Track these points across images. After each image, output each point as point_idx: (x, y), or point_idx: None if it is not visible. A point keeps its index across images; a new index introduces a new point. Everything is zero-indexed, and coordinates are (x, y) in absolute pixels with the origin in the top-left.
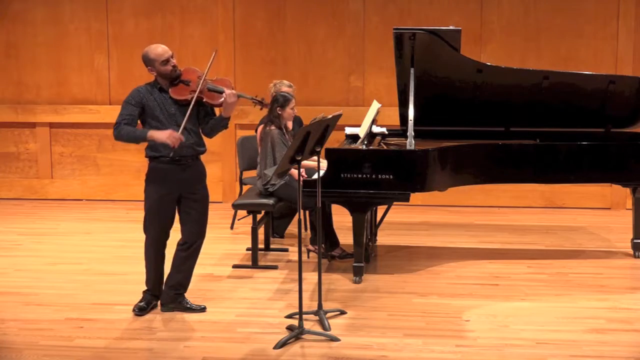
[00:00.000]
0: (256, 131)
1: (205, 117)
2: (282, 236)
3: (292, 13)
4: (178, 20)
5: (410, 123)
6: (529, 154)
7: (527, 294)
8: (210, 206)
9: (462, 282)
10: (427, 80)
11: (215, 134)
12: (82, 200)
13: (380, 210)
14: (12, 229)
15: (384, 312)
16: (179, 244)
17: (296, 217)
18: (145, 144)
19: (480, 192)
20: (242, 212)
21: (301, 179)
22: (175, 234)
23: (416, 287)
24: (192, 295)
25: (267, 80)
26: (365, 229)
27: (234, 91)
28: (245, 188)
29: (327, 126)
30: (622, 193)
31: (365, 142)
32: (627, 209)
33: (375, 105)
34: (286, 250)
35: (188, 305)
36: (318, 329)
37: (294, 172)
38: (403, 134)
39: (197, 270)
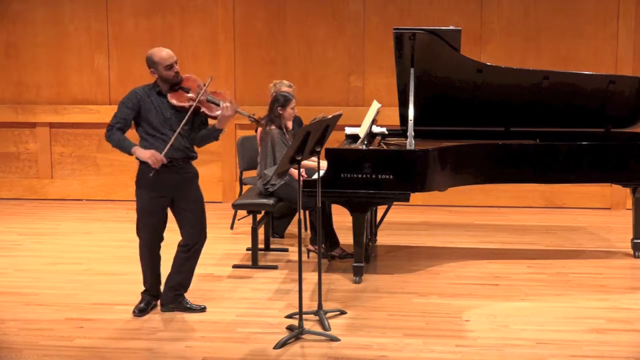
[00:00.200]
0: (256, 131)
1: (199, 127)
2: (282, 236)
3: (292, 13)
4: (178, 20)
5: (410, 123)
6: (529, 154)
7: (527, 294)
8: (210, 206)
9: (462, 282)
10: (427, 80)
11: (204, 145)
12: (82, 200)
13: (380, 210)
14: (12, 229)
15: (384, 312)
16: (179, 245)
17: (296, 217)
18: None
19: (480, 192)
20: (242, 212)
21: (301, 179)
22: (173, 236)
23: (416, 287)
24: (192, 295)
25: (267, 80)
26: (365, 229)
27: (232, 105)
28: (245, 188)
29: (327, 126)
30: (622, 193)
31: (365, 142)
32: (627, 209)
33: (375, 105)
34: (286, 250)
35: (188, 306)
36: (318, 329)
37: (294, 172)
38: (403, 134)
39: (197, 270)
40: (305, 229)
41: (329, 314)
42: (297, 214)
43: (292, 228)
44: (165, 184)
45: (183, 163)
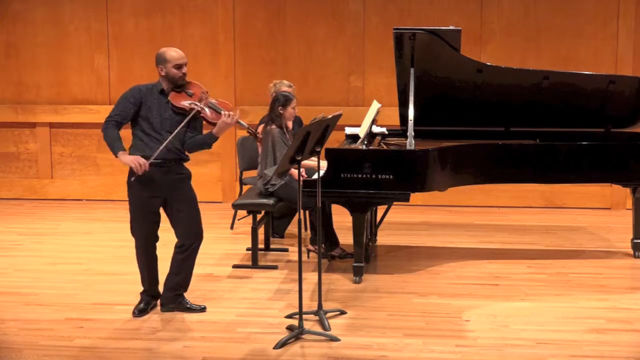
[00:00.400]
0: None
1: (193, 131)
2: (282, 236)
3: (292, 13)
4: (178, 20)
5: (410, 123)
6: (529, 154)
7: (527, 294)
8: (210, 206)
9: (462, 282)
10: (427, 80)
11: (195, 151)
12: (82, 200)
13: (380, 210)
14: (12, 229)
15: (384, 312)
16: (176, 246)
17: (296, 217)
18: (130, 143)
19: (480, 192)
20: (242, 212)
21: (301, 179)
22: (169, 235)
23: (416, 287)
24: (192, 295)
25: (267, 80)
26: (365, 229)
27: (234, 115)
28: (245, 188)
29: (327, 126)
30: (622, 193)
31: (365, 142)
32: (627, 209)
33: (375, 105)
34: (286, 250)
35: (188, 305)
36: (318, 329)
37: (294, 172)
38: (403, 134)
39: (197, 270)
40: (305, 229)
41: (329, 314)
42: (297, 214)
43: (292, 228)
44: (157, 184)
45: (175, 164)
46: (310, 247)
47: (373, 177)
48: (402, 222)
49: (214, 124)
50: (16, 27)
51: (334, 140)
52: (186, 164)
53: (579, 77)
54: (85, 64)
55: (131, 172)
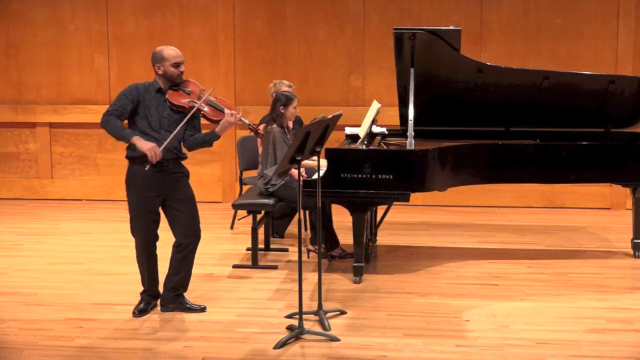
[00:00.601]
0: None
1: (192, 130)
2: (282, 236)
3: (292, 13)
4: (178, 20)
5: (410, 123)
6: (529, 154)
7: (527, 294)
8: (210, 206)
9: (462, 282)
10: (427, 80)
11: (196, 149)
12: (82, 200)
13: (380, 210)
14: (12, 229)
15: (384, 312)
16: (174, 246)
17: (296, 217)
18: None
19: (480, 192)
20: (242, 212)
21: (301, 179)
22: (168, 235)
23: (416, 287)
24: (192, 295)
25: (267, 80)
26: (365, 229)
27: (236, 113)
28: (245, 188)
29: (327, 126)
30: (622, 193)
31: (365, 142)
32: (627, 209)
33: (375, 105)
34: (286, 250)
35: (188, 305)
36: (318, 329)
37: (294, 172)
38: (403, 134)
39: (197, 270)
40: (305, 229)
41: (329, 314)
42: (297, 214)
43: (292, 228)
44: (155, 184)
45: (173, 164)
46: (310, 247)
47: (373, 177)
48: (402, 222)
49: (214, 122)
50: (16, 27)
51: (334, 140)
52: (186, 164)
53: (579, 77)
54: (85, 64)
55: (132, 172)
